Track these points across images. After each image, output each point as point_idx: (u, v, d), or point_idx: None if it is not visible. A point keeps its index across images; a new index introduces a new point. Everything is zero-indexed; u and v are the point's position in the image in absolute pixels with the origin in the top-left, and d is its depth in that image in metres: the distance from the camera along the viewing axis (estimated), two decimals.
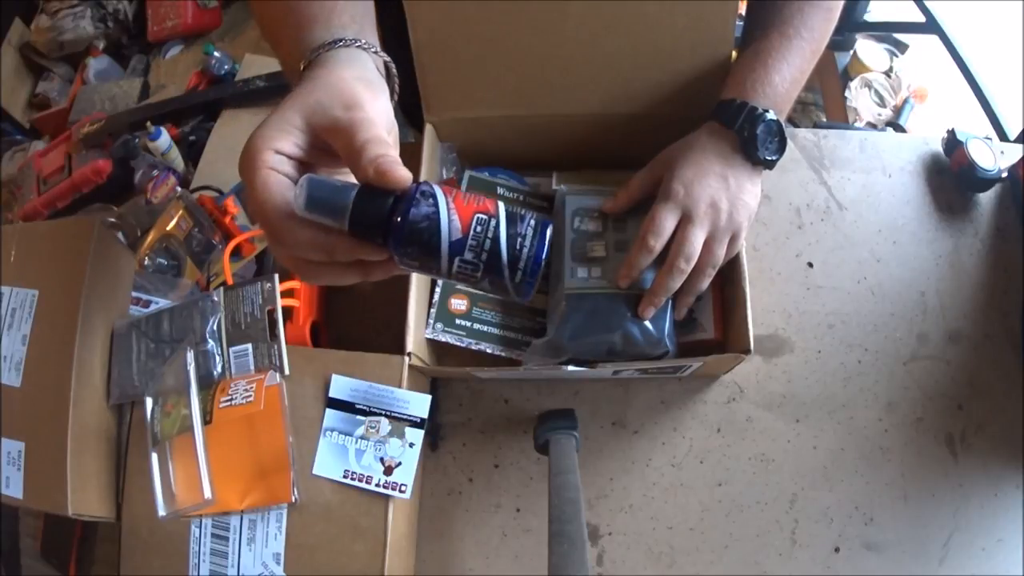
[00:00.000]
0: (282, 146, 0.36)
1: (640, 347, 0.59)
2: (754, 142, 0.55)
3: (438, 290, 0.65)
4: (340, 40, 0.41)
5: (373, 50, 0.42)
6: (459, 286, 0.65)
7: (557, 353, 0.61)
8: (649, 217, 0.56)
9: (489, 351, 0.65)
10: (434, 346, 0.68)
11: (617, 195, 0.62)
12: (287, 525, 0.60)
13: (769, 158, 0.56)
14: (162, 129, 1.27)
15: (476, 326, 0.65)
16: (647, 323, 0.59)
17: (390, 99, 0.42)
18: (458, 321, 0.65)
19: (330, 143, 0.36)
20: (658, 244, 0.55)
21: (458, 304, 0.65)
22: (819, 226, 0.75)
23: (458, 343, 0.64)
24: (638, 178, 0.61)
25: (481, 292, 0.39)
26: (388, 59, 0.44)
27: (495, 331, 0.65)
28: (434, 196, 0.33)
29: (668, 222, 0.55)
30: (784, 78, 0.56)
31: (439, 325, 0.64)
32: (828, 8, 0.58)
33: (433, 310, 0.64)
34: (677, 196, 0.55)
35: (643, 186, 0.60)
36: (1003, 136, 1.18)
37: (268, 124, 0.36)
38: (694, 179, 0.55)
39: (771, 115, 0.55)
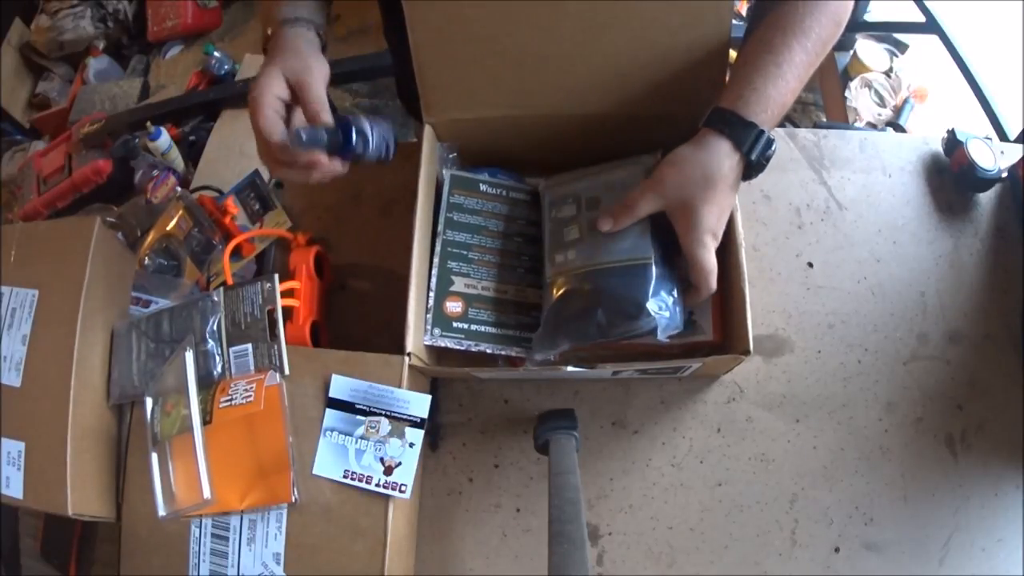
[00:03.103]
0: (277, 92, 0.58)
1: (625, 319, 0.57)
2: (762, 170, 0.57)
3: (432, 295, 0.64)
4: (293, 19, 0.62)
5: (310, 24, 0.63)
6: (452, 288, 0.66)
7: (553, 343, 0.60)
8: (698, 266, 0.56)
9: (489, 351, 0.64)
10: (434, 347, 0.68)
11: (617, 213, 0.59)
12: (287, 525, 0.60)
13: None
14: (162, 129, 1.27)
15: (473, 327, 0.65)
16: (627, 293, 0.57)
17: (322, 52, 0.64)
18: (455, 324, 0.64)
19: (295, 92, 0.59)
20: (716, 281, 0.57)
21: (453, 307, 0.65)
22: (819, 226, 0.75)
23: (457, 346, 0.64)
24: (644, 201, 0.58)
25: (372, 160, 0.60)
26: (321, 29, 0.65)
27: (492, 330, 0.65)
28: (358, 119, 0.59)
29: (714, 261, 0.57)
30: (795, 94, 0.57)
31: (437, 330, 0.64)
32: (838, 23, 0.58)
33: (429, 315, 0.64)
34: (708, 242, 0.56)
35: (649, 209, 0.58)
36: (1003, 136, 1.18)
37: (266, 77, 0.58)
38: (718, 221, 0.56)
39: (776, 142, 0.56)
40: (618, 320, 0.58)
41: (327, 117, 0.58)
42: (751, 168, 0.56)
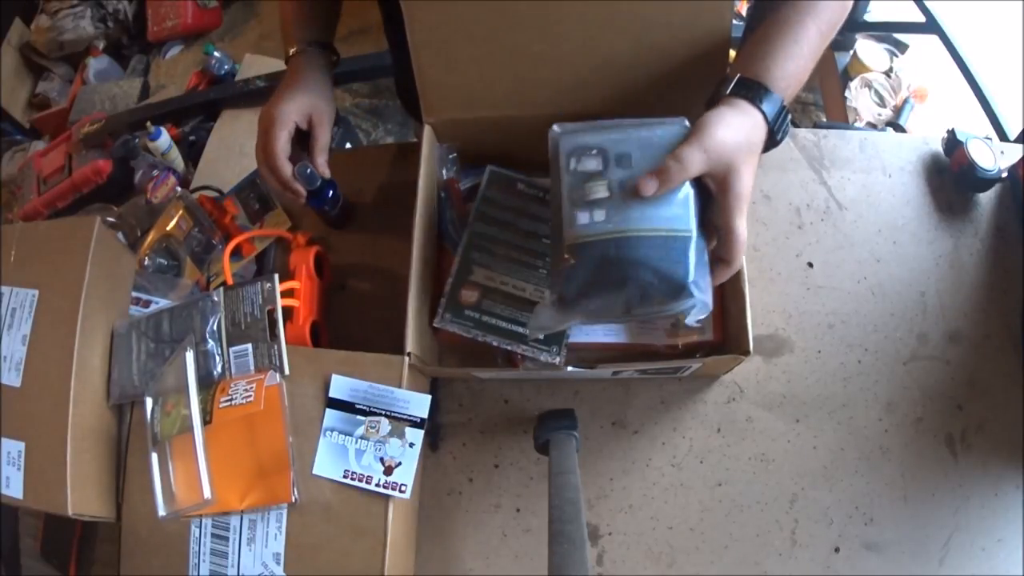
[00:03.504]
0: (296, 119, 0.68)
1: (662, 297, 0.51)
2: (775, 147, 0.55)
3: (450, 280, 0.65)
4: (312, 41, 0.72)
5: (326, 46, 0.74)
6: (471, 277, 0.67)
7: (565, 316, 0.53)
8: (735, 236, 0.52)
9: (495, 344, 0.64)
10: (434, 346, 0.68)
11: (664, 173, 0.51)
12: (287, 525, 0.60)
13: None
14: (162, 129, 1.27)
15: (484, 318, 0.65)
16: (668, 269, 0.50)
17: (331, 71, 0.74)
18: (467, 312, 0.65)
19: (310, 127, 0.70)
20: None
21: (469, 295, 0.65)
22: (819, 226, 0.75)
23: (465, 334, 0.64)
24: (695, 160, 0.51)
25: None
26: (337, 54, 0.76)
27: (503, 324, 0.65)
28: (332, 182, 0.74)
29: (746, 232, 0.53)
30: (807, 74, 0.56)
31: (448, 315, 0.64)
32: (844, 9, 0.57)
33: (443, 300, 0.65)
34: (745, 211, 0.53)
35: (698, 169, 0.51)
36: (1003, 136, 1.18)
37: (293, 102, 0.68)
38: (751, 186, 0.53)
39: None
40: (655, 297, 0.51)
41: (326, 171, 0.70)
42: (772, 145, 0.54)
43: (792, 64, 0.54)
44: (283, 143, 0.66)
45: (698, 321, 0.53)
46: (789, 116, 0.54)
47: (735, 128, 0.52)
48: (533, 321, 0.56)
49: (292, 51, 0.72)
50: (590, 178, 0.54)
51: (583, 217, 0.53)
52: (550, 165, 0.58)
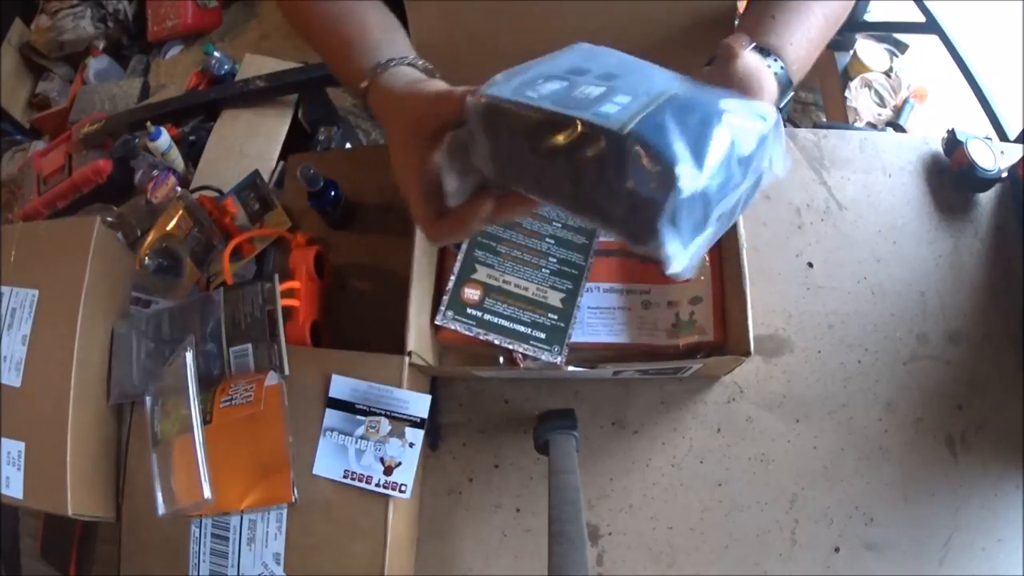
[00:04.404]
0: (425, 170, 0.44)
1: (758, 122, 0.39)
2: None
3: (452, 278, 0.66)
4: (391, 60, 0.49)
5: (413, 62, 0.50)
6: (475, 275, 0.67)
7: (701, 206, 0.35)
8: None
9: (497, 342, 0.65)
10: (434, 346, 0.68)
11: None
12: (287, 525, 0.60)
13: None
14: (162, 129, 1.26)
15: (487, 316, 0.65)
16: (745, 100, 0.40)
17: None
18: (469, 311, 0.65)
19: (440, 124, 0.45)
20: None
21: (471, 293, 0.66)
22: (819, 226, 0.75)
23: (467, 332, 0.64)
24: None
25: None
26: (428, 64, 0.51)
27: (505, 323, 0.65)
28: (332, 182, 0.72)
29: None
30: (811, 63, 0.53)
31: (450, 313, 0.65)
32: (847, 6, 0.57)
33: (446, 298, 0.65)
34: None
35: None
36: (1003, 136, 1.18)
37: (403, 156, 0.45)
38: None
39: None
40: (753, 130, 0.39)
41: (502, 87, 0.43)
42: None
43: (805, 52, 0.51)
44: (430, 198, 0.44)
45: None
46: (789, 101, 0.52)
47: (772, 87, 0.47)
48: (675, 263, 0.36)
49: (362, 87, 0.49)
50: (570, 90, 0.40)
51: (612, 107, 0.37)
52: (485, 120, 0.43)
